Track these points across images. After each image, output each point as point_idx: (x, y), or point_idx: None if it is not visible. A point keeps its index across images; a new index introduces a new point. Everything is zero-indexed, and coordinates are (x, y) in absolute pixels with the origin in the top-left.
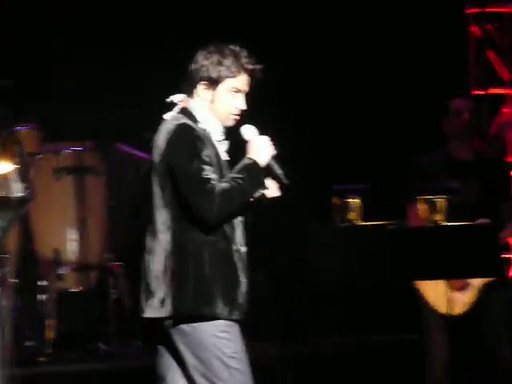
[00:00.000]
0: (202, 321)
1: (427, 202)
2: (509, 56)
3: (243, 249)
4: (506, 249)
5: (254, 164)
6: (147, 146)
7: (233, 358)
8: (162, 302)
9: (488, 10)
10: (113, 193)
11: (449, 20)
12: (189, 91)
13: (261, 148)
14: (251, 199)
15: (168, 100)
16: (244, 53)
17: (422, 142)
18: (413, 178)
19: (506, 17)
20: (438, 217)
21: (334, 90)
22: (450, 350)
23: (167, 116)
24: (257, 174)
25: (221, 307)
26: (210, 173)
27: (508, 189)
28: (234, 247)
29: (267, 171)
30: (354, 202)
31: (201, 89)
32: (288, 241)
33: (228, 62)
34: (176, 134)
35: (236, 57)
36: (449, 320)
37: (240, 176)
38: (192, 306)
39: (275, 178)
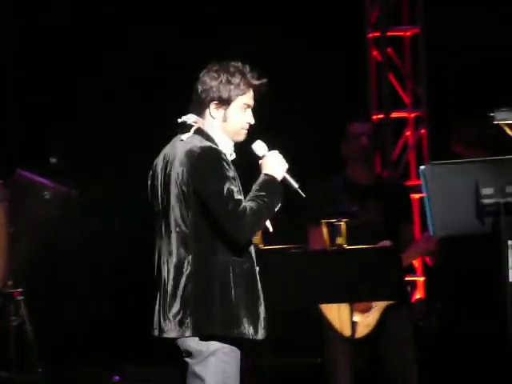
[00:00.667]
0: (227, 341)
1: (329, 225)
2: (410, 79)
3: (258, 268)
4: (409, 271)
5: (273, 179)
6: (52, 171)
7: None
8: (181, 322)
9: (389, 34)
10: (14, 219)
11: (350, 44)
12: (199, 111)
13: (275, 163)
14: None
15: (180, 120)
16: (247, 68)
17: (323, 166)
18: (314, 201)
19: (406, 40)
20: (340, 240)
21: None
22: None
23: (184, 137)
24: (277, 189)
25: (247, 327)
26: (238, 194)
27: (409, 211)
28: (256, 268)
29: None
30: None
31: (212, 109)
32: None
33: (236, 79)
34: (203, 157)
35: (242, 74)
36: (352, 343)
37: (263, 193)
38: (219, 327)
39: (292, 190)
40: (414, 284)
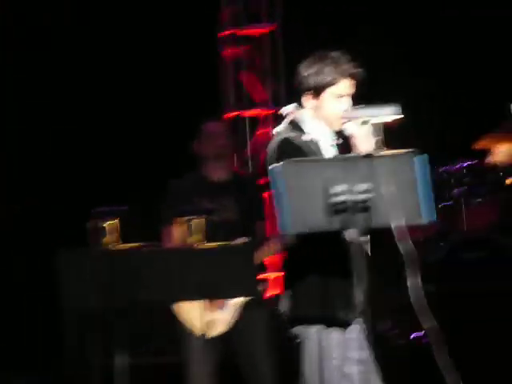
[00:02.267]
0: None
1: (184, 223)
2: (262, 77)
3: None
4: (262, 269)
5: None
6: None
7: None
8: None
9: (241, 33)
10: None
11: (201, 43)
12: (298, 101)
13: (363, 139)
14: None
15: (280, 112)
16: (344, 58)
17: (179, 164)
18: (169, 199)
19: (258, 38)
20: (195, 238)
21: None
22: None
23: (277, 129)
24: None
25: (337, 310)
26: None
27: (262, 208)
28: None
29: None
30: (111, 224)
31: (306, 99)
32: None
33: (328, 69)
34: (275, 150)
35: (336, 63)
36: (208, 340)
37: None
38: (305, 310)
39: None
40: (265, 281)
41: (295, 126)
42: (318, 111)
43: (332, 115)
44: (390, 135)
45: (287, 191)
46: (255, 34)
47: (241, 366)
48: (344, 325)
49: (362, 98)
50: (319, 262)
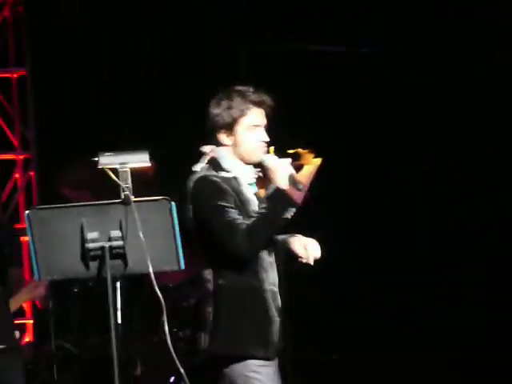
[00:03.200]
0: (233, 361)
1: None
2: (18, 121)
3: (275, 288)
4: (21, 314)
5: (276, 191)
6: None
7: None
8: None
9: None
10: None
11: None
12: (214, 140)
13: (279, 171)
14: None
15: (200, 150)
16: (250, 89)
17: None
18: None
19: (13, 82)
20: None
21: None
22: None
23: (196, 167)
24: (280, 199)
25: (254, 346)
26: (233, 214)
27: (19, 254)
28: (268, 287)
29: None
30: None
31: (222, 136)
32: None
33: (236, 102)
34: (196, 189)
35: (242, 95)
36: None
37: (263, 207)
38: (224, 346)
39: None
40: (23, 327)
41: (215, 164)
42: (235, 148)
43: (249, 147)
44: None
45: (33, 238)
46: (9, 77)
47: None
48: (264, 361)
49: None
50: (235, 298)
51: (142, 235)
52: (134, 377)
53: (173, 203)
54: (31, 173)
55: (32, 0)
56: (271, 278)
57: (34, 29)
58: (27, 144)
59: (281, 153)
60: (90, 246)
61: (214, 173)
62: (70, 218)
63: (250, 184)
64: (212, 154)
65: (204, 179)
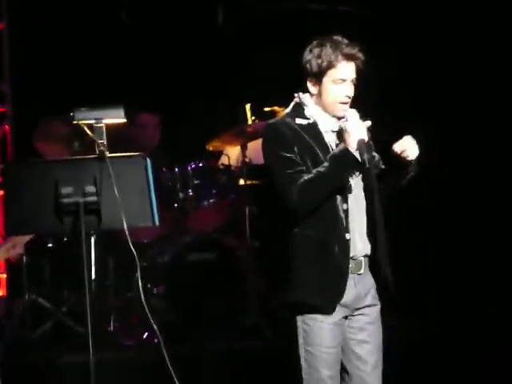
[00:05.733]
0: (296, 308)
1: None
2: None
3: (349, 236)
4: None
5: (343, 151)
6: None
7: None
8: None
9: None
10: None
11: None
12: (306, 86)
13: (352, 132)
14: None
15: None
16: (344, 41)
17: None
18: None
19: None
20: None
21: None
22: None
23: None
24: (345, 161)
25: (313, 297)
26: (293, 166)
27: None
28: (337, 235)
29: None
30: None
31: (309, 84)
32: None
33: (326, 52)
34: (264, 135)
35: (335, 46)
36: None
37: (325, 165)
38: (288, 293)
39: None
40: None
41: (298, 109)
42: (318, 98)
43: (332, 100)
44: None
45: (7, 192)
46: None
47: None
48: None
49: None
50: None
51: (116, 191)
52: (108, 332)
53: (148, 160)
54: (6, 127)
55: None
56: (341, 226)
57: None
58: (3, 98)
59: (257, 110)
60: (65, 201)
61: (294, 117)
62: (44, 173)
63: (333, 132)
64: (296, 100)
65: (271, 126)
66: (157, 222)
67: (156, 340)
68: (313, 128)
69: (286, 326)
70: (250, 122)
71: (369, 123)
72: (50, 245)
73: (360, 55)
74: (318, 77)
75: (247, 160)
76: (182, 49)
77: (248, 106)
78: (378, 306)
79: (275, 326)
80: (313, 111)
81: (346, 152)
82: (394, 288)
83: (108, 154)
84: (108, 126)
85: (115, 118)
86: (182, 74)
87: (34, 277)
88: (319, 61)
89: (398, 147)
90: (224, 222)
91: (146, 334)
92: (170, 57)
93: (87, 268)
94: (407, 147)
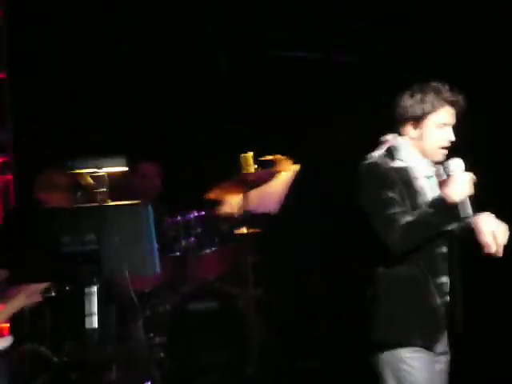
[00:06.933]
0: (386, 348)
1: None
2: None
3: (442, 279)
4: None
5: (442, 200)
6: None
7: None
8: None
9: None
10: None
11: None
12: (399, 130)
13: (457, 184)
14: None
15: (380, 139)
16: (445, 87)
17: None
18: None
19: None
20: None
21: None
22: None
23: (371, 154)
24: (445, 209)
25: (407, 335)
26: (395, 207)
27: None
28: (432, 277)
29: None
30: None
31: (408, 128)
32: None
33: (430, 98)
34: (362, 174)
35: (437, 92)
36: None
37: (426, 210)
38: (378, 332)
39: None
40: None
41: (389, 153)
42: (418, 141)
43: (433, 144)
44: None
45: (9, 240)
46: None
47: None
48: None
49: None
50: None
51: (117, 240)
52: (109, 382)
53: (149, 207)
54: (9, 176)
55: None
56: (438, 268)
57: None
58: (4, 147)
59: (258, 158)
60: (65, 250)
61: (385, 160)
62: (45, 222)
63: (428, 177)
64: (391, 143)
65: (374, 166)
66: (158, 270)
67: None
68: (407, 172)
69: (286, 374)
70: (252, 170)
71: (473, 176)
72: (52, 294)
73: (461, 101)
74: (419, 120)
75: (249, 208)
76: (183, 96)
77: (250, 155)
78: (449, 355)
79: (276, 374)
80: (408, 155)
81: (448, 202)
82: (462, 327)
83: (109, 202)
84: (109, 175)
85: (116, 166)
86: (183, 122)
87: (36, 326)
88: (423, 105)
89: (486, 236)
90: (226, 271)
91: (148, 383)
92: (171, 106)
93: (89, 317)
94: (499, 241)
